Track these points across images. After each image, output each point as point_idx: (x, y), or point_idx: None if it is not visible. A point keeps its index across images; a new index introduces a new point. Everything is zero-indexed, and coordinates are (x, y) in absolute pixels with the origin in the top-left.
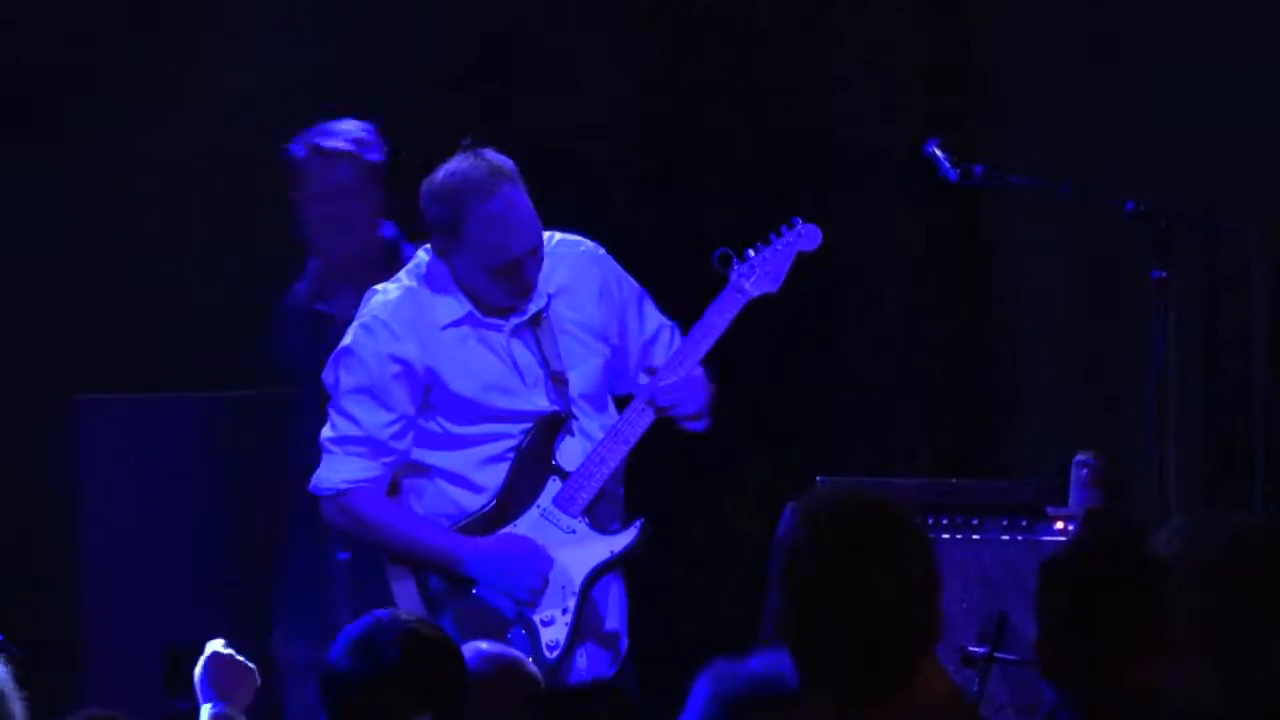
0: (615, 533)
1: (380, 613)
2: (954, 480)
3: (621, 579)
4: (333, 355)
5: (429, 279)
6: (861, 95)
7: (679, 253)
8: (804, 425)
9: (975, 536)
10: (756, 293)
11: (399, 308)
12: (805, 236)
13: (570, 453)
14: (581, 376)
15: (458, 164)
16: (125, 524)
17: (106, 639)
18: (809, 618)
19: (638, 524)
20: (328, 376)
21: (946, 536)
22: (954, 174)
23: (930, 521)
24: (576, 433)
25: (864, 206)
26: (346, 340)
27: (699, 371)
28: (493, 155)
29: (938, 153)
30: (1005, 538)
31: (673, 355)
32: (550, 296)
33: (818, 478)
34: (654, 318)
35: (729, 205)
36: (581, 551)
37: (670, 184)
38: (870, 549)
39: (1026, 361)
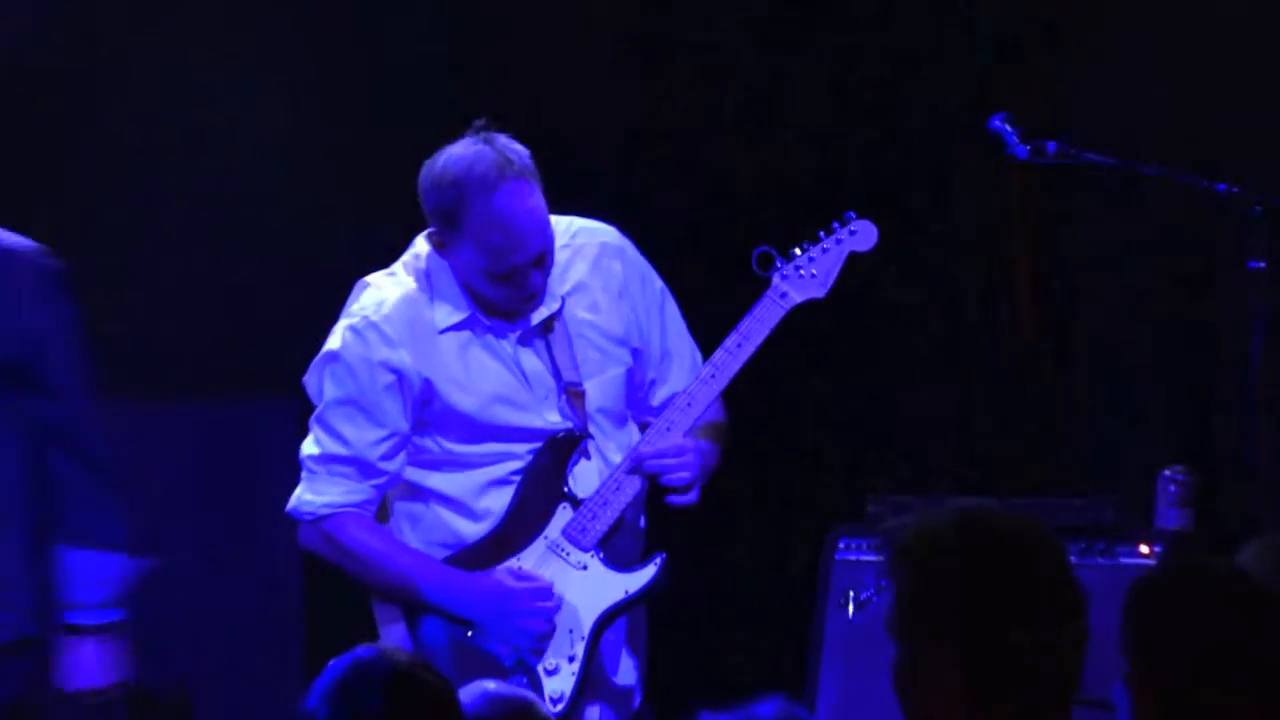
0: (632, 570)
1: (362, 651)
2: (1021, 499)
3: (643, 621)
4: (317, 359)
5: (427, 274)
6: (918, 64)
7: (703, 252)
8: (842, 441)
9: None
10: (801, 299)
11: (393, 306)
12: (860, 234)
13: (585, 477)
14: (600, 388)
15: (464, 148)
16: None
17: None
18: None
19: (657, 559)
20: (310, 383)
21: None
22: (1023, 151)
23: None
24: (593, 454)
25: (916, 190)
26: (333, 343)
27: (713, 416)
28: (506, 143)
29: (1004, 128)
30: (1083, 561)
31: (698, 378)
32: (564, 297)
33: (867, 498)
34: (675, 330)
35: (761, 197)
36: (593, 591)
37: (693, 169)
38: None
39: (1100, 365)
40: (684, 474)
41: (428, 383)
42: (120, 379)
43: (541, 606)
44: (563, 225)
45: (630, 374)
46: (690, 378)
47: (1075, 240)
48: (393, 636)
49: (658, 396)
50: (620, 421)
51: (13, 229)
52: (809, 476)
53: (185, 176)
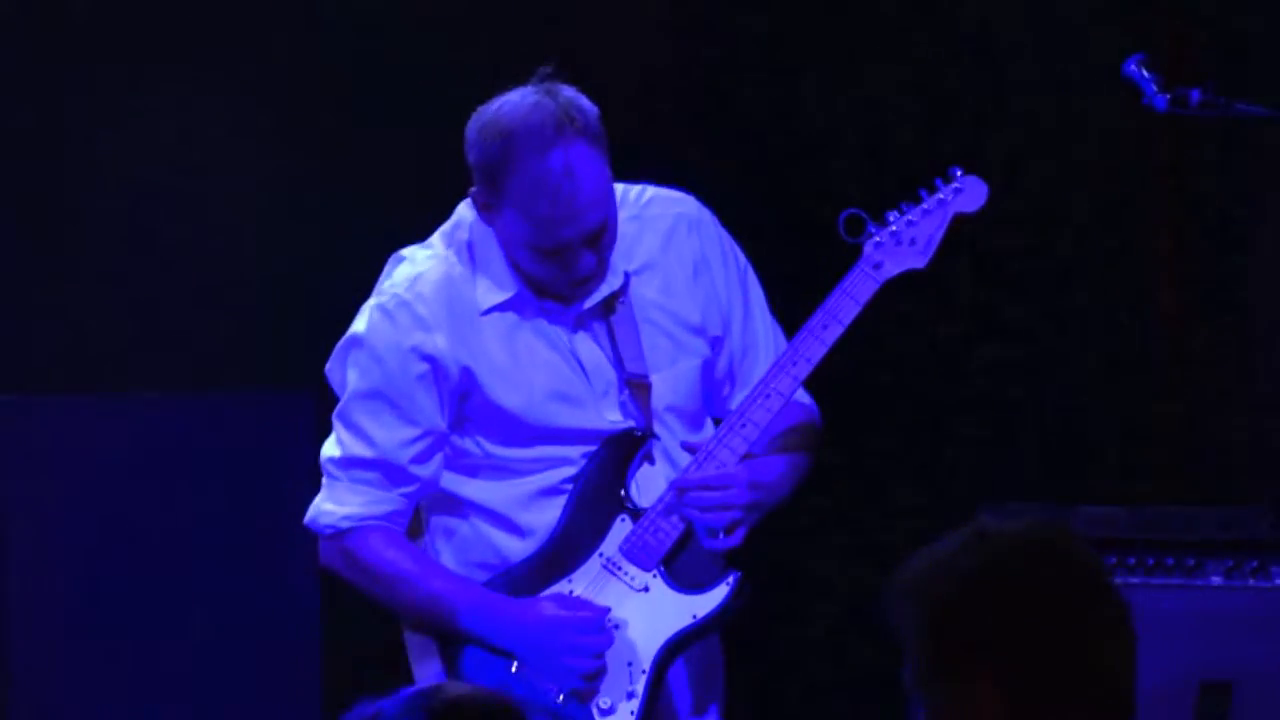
0: (702, 591)
1: (424, 689)
2: (1158, 507)
3: (719, 651)
4: (340, 344)
5: (469, 245)
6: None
7: (781, 219)
8: (952, 441)
9: (1191, 583)
10: (897, 270)
11: (427, 283)
12: (967, 193)
13: (649, 484)
14: (669, 382)
15: (521, 97)
16: (59, 553)
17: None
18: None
19: (730, 579)
20: (332, 373)
21: (1147, 582)
22: (1162, 101)
23: (1131, 562)
24: (658, 458)
25: (1027, 151)
26: (358, 326)
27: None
28: (572, 96)
29: (1142, 73)
30: (1230, 583)
31: (777, 366)
32: (630, 275)
33: (981, 507)
34: (760, 317)
35: (842, 152)
36: (656, 616)
37: (767, 128)
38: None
39: (1251, 353)
40: (723, 516)
41: (467, 372)
42: (128, 371)
43: (588, 641)
44: (633, 194)
45: (707, 366)
46: None
47: (1226, 205)
48: (427, 673)
49: (736, 398)
50: (694, 422)
51: (23, 222)
52: (917, 483)
53: (195, 166)
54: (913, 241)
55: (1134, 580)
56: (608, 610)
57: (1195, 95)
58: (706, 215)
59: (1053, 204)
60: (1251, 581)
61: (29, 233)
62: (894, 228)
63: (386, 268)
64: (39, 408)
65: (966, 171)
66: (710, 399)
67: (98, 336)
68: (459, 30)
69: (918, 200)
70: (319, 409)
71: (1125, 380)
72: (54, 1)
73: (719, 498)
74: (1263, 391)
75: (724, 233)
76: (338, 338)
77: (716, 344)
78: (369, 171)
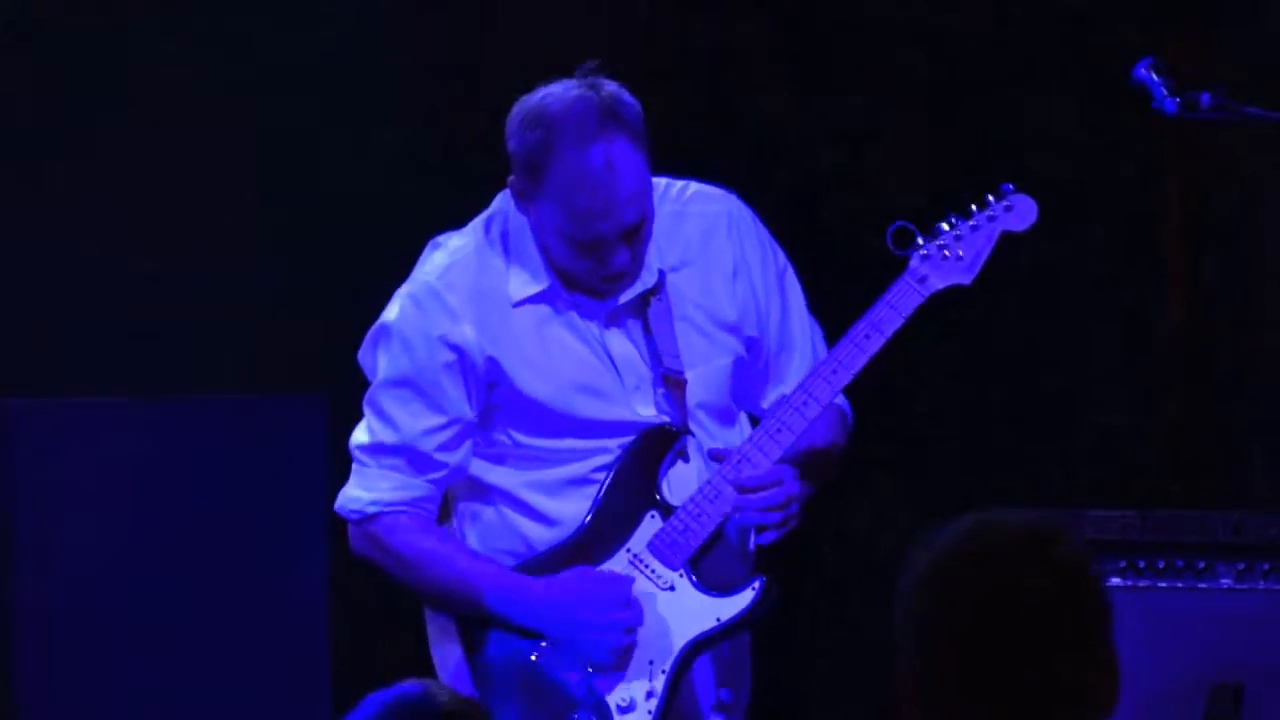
0: (728, 594)
1: (409, 687)
2: (1169, 510)
3: (746, 645)
4: (371, 333)
5: (504, 235)
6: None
7: (817, 227)
8: (968, 442)
9: (1201, 585)
10: (942, 285)
11: (459, 273)
12: (1017, 211)
13: (681, 482)
14: (703, 380)
15: (564, 89)
16: (69, 558)
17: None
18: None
19: (756, 584)
20: (364, 359)
21: (1157, 585)
22: (1172, 104)
23: (1141, 565)
24: (692, 455)
25: (1045, 157)
26: (389, 313)
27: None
28: (616, 92)
29: (1152, 77)
30: (1241, 586)
31: (816, 373)
32: (666, 271)
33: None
34: (797, 318)
35: (874, 160)
36: (680, 615)
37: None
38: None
39: (1265, 361)
40: (774, 516)
41: (492, 362)
42: (141, 376)
43: (616, 616)
44: (675, 188)
45: (740, 365)
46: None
47: (1237, 209)
48: (447, 656)
49: (769, 396)
50: (726, 418)
51: (34, 226)
52: (925, 486)
53: (208, 168)
54: (959, 257)
55: (1144, 583)
56: (632, 581)
57: (1205, 99)
58: (747, 214)
59: (1060, 206)
60: (1262, 584)
61: (40, 235)
62: (941, 242)
63: (424, 254)
64: (52, 411)
65: (1018, 189)
66: (744, 397)
67: (110, 340)
68: (467, 32)
69: (966, 214)
70: (332, 412)
71: (1136, 382)
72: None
73: (772, 495)
74: (1274, 394)
75: (764, 231)
76: (351, 341)
77: (752, 344)
78: (381, 174)
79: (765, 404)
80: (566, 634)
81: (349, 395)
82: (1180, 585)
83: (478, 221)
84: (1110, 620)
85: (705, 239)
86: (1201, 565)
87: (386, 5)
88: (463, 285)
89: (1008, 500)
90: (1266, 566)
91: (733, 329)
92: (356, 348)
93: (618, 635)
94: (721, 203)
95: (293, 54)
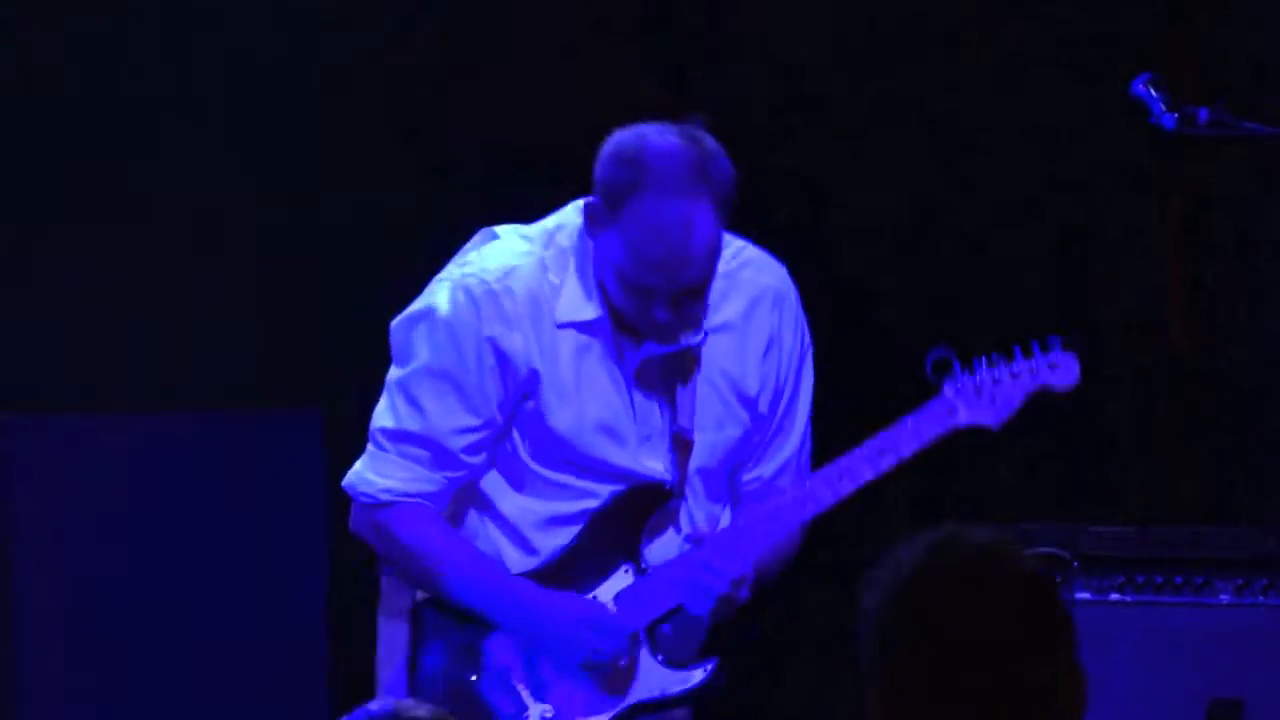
0: (677, 669)
1: (376, 706)
2: (1169, 527)
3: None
4: (414, 313)
5: (561, 258)
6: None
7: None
8: (964, 461)
9: (1199, 601)
10: (969, 422)
11: (521, 279)
12: (1060, 369)
13: (661, 545)
14: (709, 446)
15: (664, 134)
16: (69, 574)
17: None
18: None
19: (708, 666)
20: (397, 336)
21: (1156, 600)
22: (1170, 119)
23: (1140, 580)
24: (682, 521)
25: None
26: (439, 299)
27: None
28: (715, 151)
29: (1149, 92)
30: (1240, 601)
31: (822, 478)
32: (708, 333)
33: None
34: (802, 406)
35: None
36: (629, 675)
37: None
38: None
39: (1265, 375)
40: (727, 608)
41: (534, 375)
42: (139, 390)
43: (607, 644)
44: (730, 249)
45: (745, 437)
46: (784, 467)
47: (1232, 225)
48: (389, 663)
49: (750, 473)
50: (718, 492)
51: (32, 241)
52: (924, 501)
53: (205, 184)
54: (993, 400)
55: (1144, 598)
56: (634, 627)
57: (1203, 114)
58: (792, 292)
59: (1063, 219)
60: (1261, 599)
61: (38, 251)
62: (979, 379)
63: (475, 240)
64: (50, 427)
65: (1066, 347)
66: (733, 468)
67: (108, 355)
68: (464, 46)
69: (1009, 357)
70: (329, 426)
71: (1134, 398)
72: (55, 14)
73: (729, 586)
74: (1274, 408)
75: (802, 313)
76: (348, 356)
77: (760, 419)
78: (379, 190)
79: (746, 477)
80: (561, 641)
81: (346, 409)
82: (1179, 601)
83: (544, 227)
84: (1073, 631)
85: (750, 309)
86: (1200, 581)
87: (390, 24)
88: (521, 293)
89: (1007, 514)
90: (1265, 582)
91: (750, 403)
92: (354, 363)
93: (616, 639)
94: (771, 276)
95: (293, 66)
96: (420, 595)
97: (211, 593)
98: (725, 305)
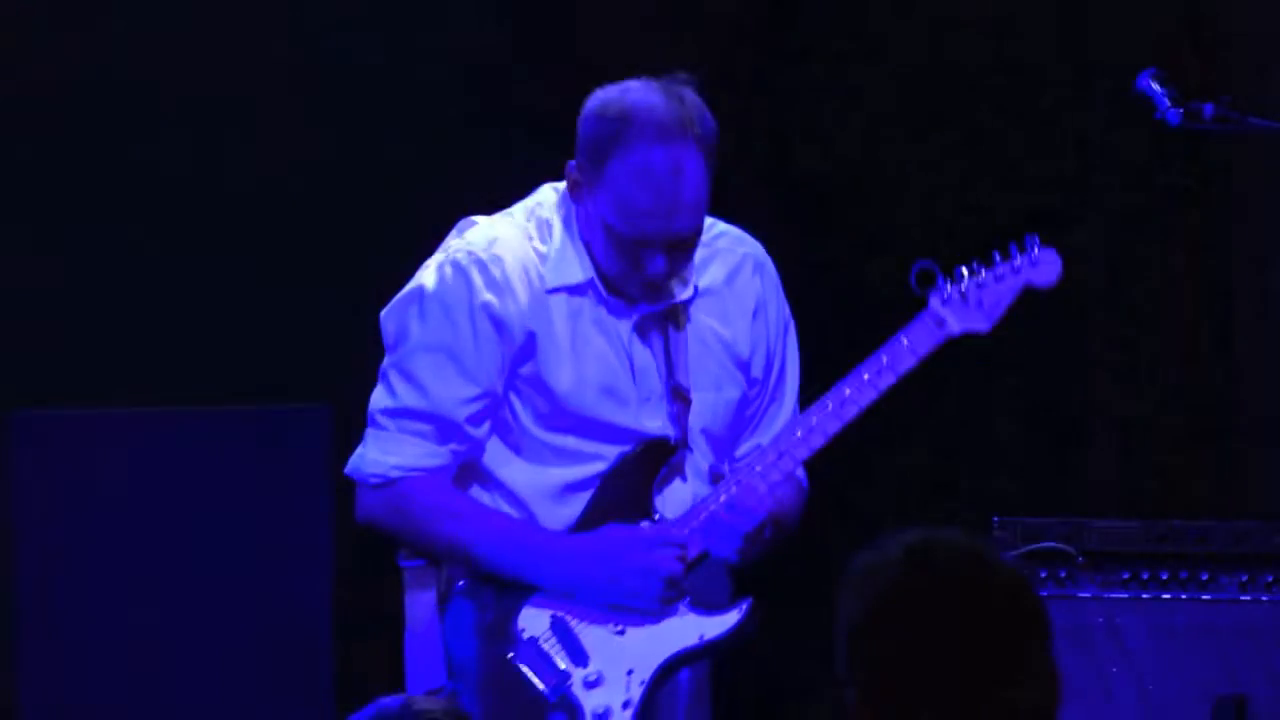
0: (713, 613)
1: (387, 701)
2: (1174, 521)
3: (707, 675)
4: (402, 297)
5: (547, 224)
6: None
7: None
8: (973, 456)
9: (1204, 596)
10: (960, 329)
11: (506, 247)
12: (1041, 265)
13: (673, 499)
14: (709, 407)
15: (647, 89)
16: (72, 570)
17: None
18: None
19: (742, 606)
20: (388, 324)
21: (1160, 596)
22: (1175, 115)
23: (1144, 576)
24: (689, 474)
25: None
26: (426, 279)
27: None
28: (697, 103)
29: (1155, 87)
30: (1246, 597)
31: (822, 409)
32: (698, 288)
33: (993, 519)
34: (791, 375)
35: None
36: (663, 630)
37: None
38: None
39: (1268, 370)
40: (752, 546)
41: (531, 338)
42: (144, 387)
43: (658, 558)
44: (704, 225)
45: (744, 402)
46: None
47: (1240, 222)
48: (422, 649)
49: (744, 445)
50: (723, 451)
51: (38, 238)
52: (925, 495)
53: (210, 179)
54: (980, 304)
55: (1148, 594)
56: (684, 534)
57: (1209, 109)
58: (769, 262)
59: (1067, 216)
60: (1265, 595)
61: (42, 247)
62: (964, 286)
63: (456, 228)
64: (55, 422)
65: (1044, 243)
66: (737, 436)
67: (113, 351)
68: (487, 40)
69: (990, 263)
70: (335, 423)
71: (1138, 393)
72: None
73: (754, 523)
74: (1276, 403)
75: (778, 277)
76: (354, 352)
77: (754, 385)
78: (384, 186)
79: (743, 448)
80: (608, 583)
81: (353, 406)
82: (1184, 596)
83: (522, 205)
84: (1050, 637)
85: (731, 276)
86: (1205, 576)
87: (392, 31)
88: (511, 259)
89: (1009, 509)
90: (1270, 577)
91: (744, 366)
92: (360, 359)
93: (657, 581)
94: (748, 245)
95: (297, 65)
96: (444, 583)
97: (215, 590)
98: (707, 271)
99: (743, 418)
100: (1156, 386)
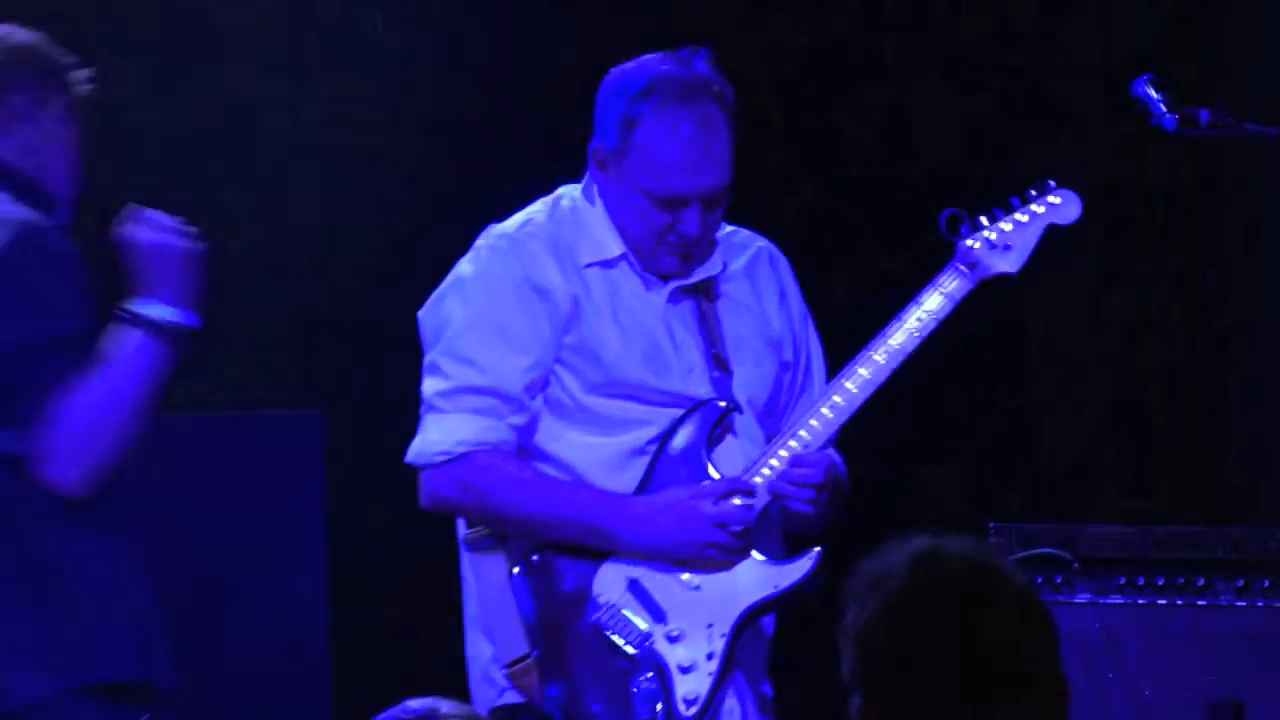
0: (784, 562)
1: (412, 705)
2: (1170, 527)
3: (772, 623)
4: (440, 292)
5: (574, 210)
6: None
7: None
8: (962, 459)
9: (1200, 602)
10: (991, 273)
11: (537, 227)
12: (1063, 206)
13: (727, 457)
14: (751, 379)
15: (663, 61)
16: None
17: None
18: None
19: (814, 554)
20: (427, 319)
21: (1156, 602)
22: (1171, 120)
23: (1140, 582)
24: (741, 433)
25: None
26: (463, 268)
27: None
28: (710, 70)
29: (1150, 93)
30: (1242, 603)
31: (864, 361)
32: (727, 264)
33: (990, 526)
34: (817, 365)
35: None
36: (738, 582)
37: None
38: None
39: (1263, 373)
40: (810, 496)
41: (576, 303)
42: None
43: (730, 511)
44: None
45: (779, 381)
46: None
47: (1234, 226)
48: (496, 622)
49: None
50: (769, 422)
51: None
52: (925, 500)
53: (210, 185)
54: (1007, 247)
55: (1144, 600)
56: (751, 483)
57: (1205, 115)
58: (784, 257)
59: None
60: (1262, 601)
61: None
62: (989, 232)
63: (482, 235)
64: None
65: (1061, 184)
66: (773, 414)
67: None
68: (480, 63)
69: (1009, 208)
70: (329, 428)
71: (1136, 399)
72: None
73: (814, 475)
74: (1274, 410)
75: (796, 279)
76: (351, 358)
77: (785, 369)
78: (385, 191)
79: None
80: (683, 537)
81: (347, 412)
82: (1180, 602)
83: (540, 202)
84: (1059, 647)
85: (751, 265)
86: (1201, 582)
87: (392, 31)
88: (544, 235)
89: (1006, 515)
90: (1266, 583)
91: (775, 345)
92: (355, 365)
93: (730, 531)
94: (763, 240)
95: (296, 67)
96: (516, 557)
97: (211, 595)
98: (730, 262)
99: (778, 399)
100: (1152, 390)
